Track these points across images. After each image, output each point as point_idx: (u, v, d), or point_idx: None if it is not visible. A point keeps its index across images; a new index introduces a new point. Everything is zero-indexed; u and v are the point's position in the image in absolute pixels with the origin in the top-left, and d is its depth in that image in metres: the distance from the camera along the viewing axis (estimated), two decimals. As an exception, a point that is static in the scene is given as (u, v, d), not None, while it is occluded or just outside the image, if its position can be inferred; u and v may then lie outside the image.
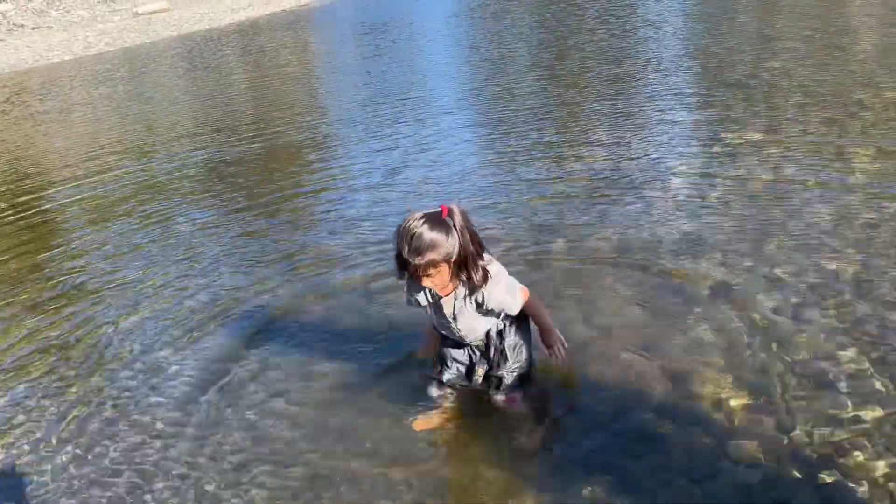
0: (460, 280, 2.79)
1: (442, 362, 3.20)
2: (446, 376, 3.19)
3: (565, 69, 10.63)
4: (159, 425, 3.49)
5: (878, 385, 3.05)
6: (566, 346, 3.14)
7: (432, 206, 2.73)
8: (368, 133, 8.71)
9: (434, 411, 3.17)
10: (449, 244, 2.64)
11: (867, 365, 3.18)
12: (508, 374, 3.08)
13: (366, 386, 3.50)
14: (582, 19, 14.62)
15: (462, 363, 3.15)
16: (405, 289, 3.01)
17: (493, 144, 7.43)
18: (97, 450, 3.37)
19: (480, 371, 3.11)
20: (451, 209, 2.68)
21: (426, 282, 2.74)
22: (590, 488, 2.72)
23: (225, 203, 6.82)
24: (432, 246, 2.62)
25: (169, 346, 4.19)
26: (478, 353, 3.11)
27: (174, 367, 3.96)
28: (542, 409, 3.24)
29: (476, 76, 11.34)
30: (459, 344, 3.10)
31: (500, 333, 3.04)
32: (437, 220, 2.64)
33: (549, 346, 3.12)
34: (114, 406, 3.70)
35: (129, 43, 24.14)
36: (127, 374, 3.98)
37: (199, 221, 6.38)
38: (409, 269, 2.67)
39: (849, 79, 7.78)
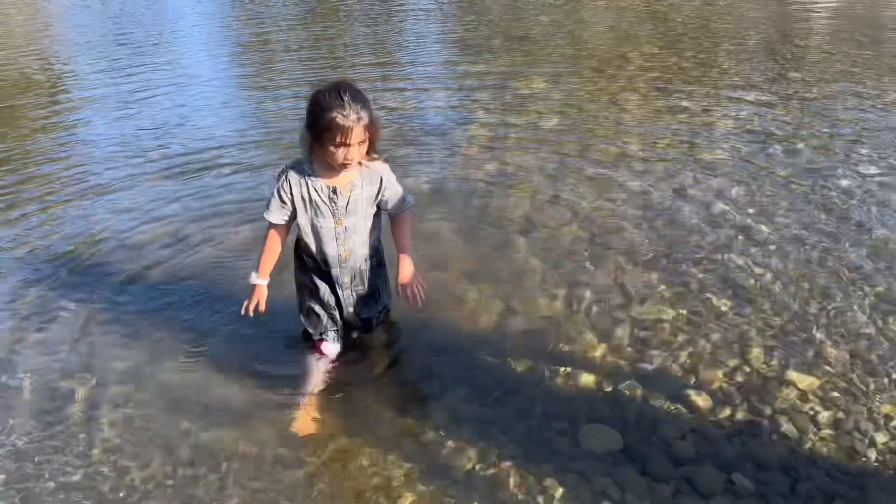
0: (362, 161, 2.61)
1: (325, 317, 2.91)
2: (332, 335, 2.96)
3: (334, 21, 10.60)
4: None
5: (684, 289, 3.56)
6: (425, 287, 2.87)
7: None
8: (110, 74, 8.11)
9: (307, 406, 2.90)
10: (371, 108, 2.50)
11: (659, 273, 3.69)
12: (376, 317, 3.06)
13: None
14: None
15: (333, 308, 2.92)
16: (282, 189, 2.64)
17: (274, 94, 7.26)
18: None
19: (352, 312, 2.97)
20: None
21: (352, 154, 2.49)
22: (464, 433, 2.89)
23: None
24: (369, 104, 2.49)
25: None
26: (344, 289, 2.88)
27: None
28: (399, 344, 3.28)
29: (235, 22, 10.91)
30: (328, 285, 2.85)
31: (368, 259, 2.91)
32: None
33: (406, 283, 2.82)
34: None
35: None
36: None
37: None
38: (342, 136, 2.44)
39: (611, 34, 8.66)
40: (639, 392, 2.91)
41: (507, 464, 2.58)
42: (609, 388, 2.94)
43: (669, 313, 3.39)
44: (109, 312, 3.52)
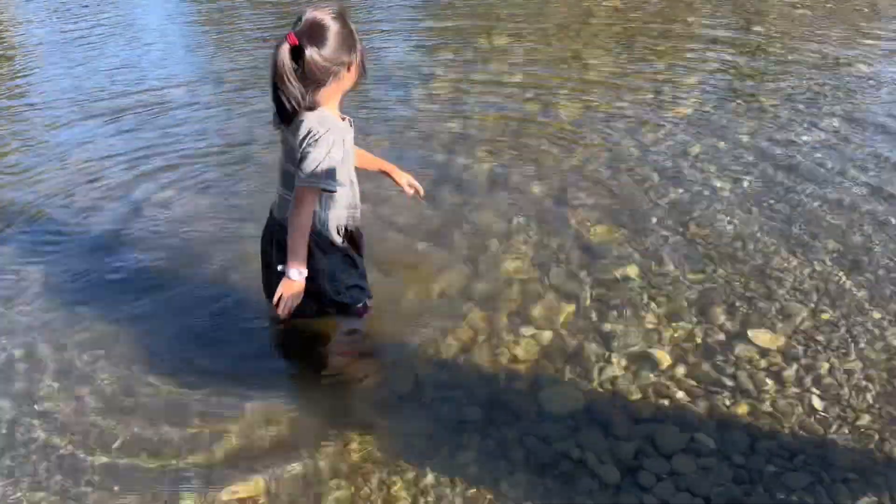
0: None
1: (363, 282, 2.77)
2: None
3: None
4: None
5: (647, 248, 3.52)
6: None
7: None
8: (55, 20, 7.86)
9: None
10: None
11: (621, 232, 3.64)
12: None
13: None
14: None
15: (363, 265, 2.81)
16: (338, 145, 2.37)
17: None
18: None
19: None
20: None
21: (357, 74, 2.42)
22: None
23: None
24: None
25: None
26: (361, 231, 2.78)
27: None
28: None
29: None
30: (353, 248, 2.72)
31: None
32: None
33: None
34: None
35: None
36: None
37: None
38: (360, 57, 2.37)
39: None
40: (601, 352, 2.87)
41: (468, 428, 2.54)
42: (571, 349, 2.90)
43: (631, 272, 3.35)
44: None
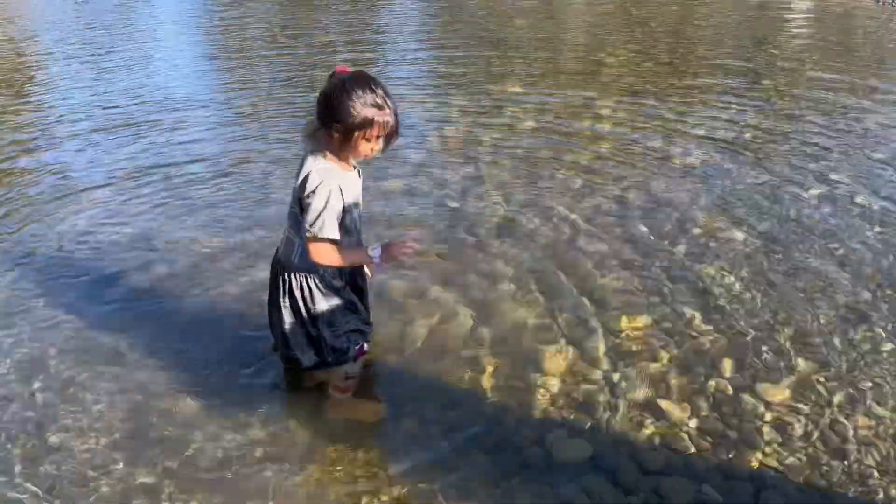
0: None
1: (362, 325, 2.81)
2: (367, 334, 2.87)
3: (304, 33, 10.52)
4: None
5: (656, 298, 3.56)
6: None
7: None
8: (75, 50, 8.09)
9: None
10: None
11: (631, 281, 3.69)
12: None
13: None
14: None
15: (363, 310, 2.84)
16: (334, 199, 2.43)
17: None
18: None
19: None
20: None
21: (381, 145, 2.50)
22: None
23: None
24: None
25: None
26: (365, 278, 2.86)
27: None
28: (371, 352, 3.22)
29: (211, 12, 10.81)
30: (352, 291, 2.77)
31: None
32: None
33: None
34: None
35: None
36: None
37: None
38: (382, 129, 2.43)
39: (587, 38, 8.70)
40: (610, 402, 2.90)
41: (476, 474, 2.56)
42: (580, 397, 2.93)
43: (641, 322, 3.39)
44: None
